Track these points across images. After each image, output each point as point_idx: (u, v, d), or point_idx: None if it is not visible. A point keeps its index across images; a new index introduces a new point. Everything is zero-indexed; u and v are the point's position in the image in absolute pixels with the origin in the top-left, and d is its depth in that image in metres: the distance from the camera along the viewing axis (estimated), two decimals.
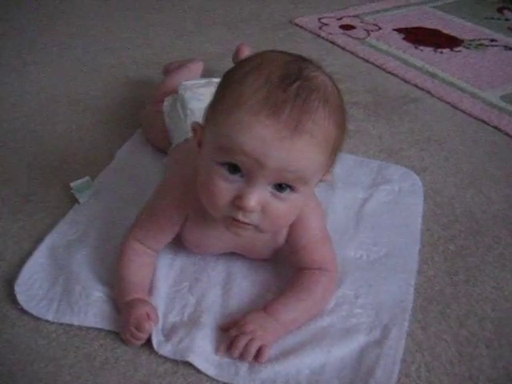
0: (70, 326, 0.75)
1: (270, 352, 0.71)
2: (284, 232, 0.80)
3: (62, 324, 0.75)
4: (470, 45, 1.66)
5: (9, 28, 1.66)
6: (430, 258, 0.90)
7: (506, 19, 1.88)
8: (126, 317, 0.73)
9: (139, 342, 0.73)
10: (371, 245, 0.90)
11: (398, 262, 0.87)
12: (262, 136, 0.62)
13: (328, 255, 0.81)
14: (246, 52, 1.29)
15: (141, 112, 1.17)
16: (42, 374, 0.70)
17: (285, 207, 0.68)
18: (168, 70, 1.29)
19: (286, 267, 0.83)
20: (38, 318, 0.76)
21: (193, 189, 0.75)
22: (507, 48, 1.65)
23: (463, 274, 0.87)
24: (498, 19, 1.88)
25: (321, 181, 0.74)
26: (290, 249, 0.81)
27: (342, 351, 0.73)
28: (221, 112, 0.66)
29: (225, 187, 0.66)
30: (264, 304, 0.77)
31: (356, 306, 0.80)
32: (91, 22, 1.73)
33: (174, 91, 1.09)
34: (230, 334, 0.73)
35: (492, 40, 1.70)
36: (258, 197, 0.65)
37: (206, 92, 1.00)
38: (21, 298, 0.78)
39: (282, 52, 0.70)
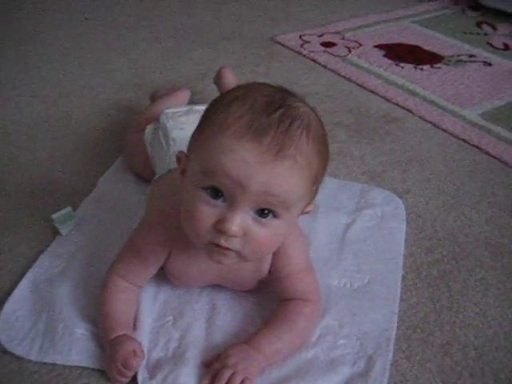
0: (54, 364, 0.75)
1: None
2: (267, 262, 0.80)
3: (45, 363, 0.75)
4: (450, 61, 1.67)
5: None
6: (413, 284, 0.90)
7: (485, 34, 1.90)
8: (112, 354, 0.72)
9: (125, 380, 0.72)
10: (354, 272, 0.90)
11: (381, 290, 0.87)
12: (245, 159, 0.63)
13: (311, 285, 0.81)
14: (228, 75, 1.29)
15: (123, 139, 1.17)
16: None
17: (267, 233, 0.68)
18: (155, 98, 1.28)
19: (270, 299, 0.83)
20: (20, 358, 0.75)
21: (175, 224, 0.75)
22: (486, 63, 1.67)
23: (446, 300, 0.88)
24: (478, 34, 1.90)
25: (303, 213, 0.74)
26: (273, 278, 0.81)
27: None
28: (205, 137, 0.67)
29: (207, 212, 0.66)
30: (247, 337, 0.76)
31: (340, 336, 0.80)
32: (70, 42, 1.72)
33: (157, 118, 1.09)
34: (213, 368, 0.72)
35: (471, 55, 1.72)
36: (240, 221, 0.66)
37: (188, 121, 1.00)
38: (2, 337, 0.77)
39: (267, 84, 0.71)
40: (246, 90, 0.68)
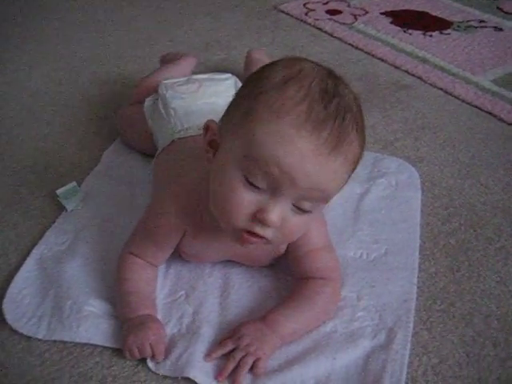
0: (64, 343, 0.72)
1: (265, 366, 0.69)
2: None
3: (55, 342, 0.72)
4: (459, 27, 1.63)
5: None
6: (431, 254, 0.87)
7: None
8: (135, 333, 0.70)
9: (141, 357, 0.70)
10: (371, 243, 0.88)
11: (399, 260, 0.85)
12: (303, 152, 0.60)
13: (332, 263, 0.78)
14: (261, 57, 1.24)
15: (117, 113, 1.12)
16: None
17: (300, 223, 0.66)
18: (163, 62, 1.24)
19: (286, 272, 0.81)
20: (30, 337, 0.73)
21: (188, 206, 0.73)
22: (496, 29, 1.62)
23: (466, 269, 0.85)
24: None
25: None
26: (291, 257, 0.78)
27: (347, 358, 0.71)
28: (253, 120, 0.62)
29: (248, 199, 0.63)
30: (264, 313, 0.74)
31: (359, 308, 0.77)
32: (68, 15, 1.67)
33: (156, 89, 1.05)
34: (226, 347, 0.70)
35: (481, 21, 1.67)
36: (281, 212, 0.63)
37: (187, 90, 0.97)
38: (9, 317, 0.74)
39: (313, 62, 0.67)
40: (297, 70, 0.63)
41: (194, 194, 0.72)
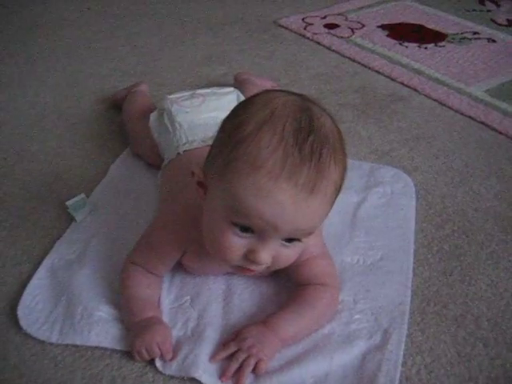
0: (76, 346, 0.76)
1: (266, 366, 0.72)
2: None
3: (67, 345, 0.76)
4: (454, 39, 1.67)
5: None
6: (424, 259, 0.91)
7: (488, 10, 1.90)
8: (142, 335, 0.73)
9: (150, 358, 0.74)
10: (367, 249, 0.92)
11: (394, 265, 0.89)
12: (281, 202, 0.62)
13: (329, 270, 0.83)
14: (247, 77, 1.31)
15: (125, 128, 1.18)
16: None
17: (291, 252, 0.71)
18: (115, 100, 1.30)
19: (287, 278, 0.84)
20: (43, 341, 0.77)
21: (189, 221, 0.76)
22: (490, 40, 1.67)
23: (458, 273, 0.89)
24: (481, 11, 1.89)
25: None
26: (290, 267, 0.80)
27: (344, 358, 0.74)
28: (233, 172, 0.64)
29: (237, 243, 0.67)
30: (265, 317, 0.78)
31: (355, 311, 0.81)
32: (73, 32, 1.73)
33: (143, 106, 1.16)
34: (229, 349, 0.74)
35: (475, 33, 1.72)
36: (270, 251, 0.68)
37: (191, 104, 1.02)
38: (23, 322, 0.78)
39: (286, 93, 0.69)
40: (270, 109, 0.65)
41: (195, 211, 0.75)
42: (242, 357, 0.72)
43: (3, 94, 1.38)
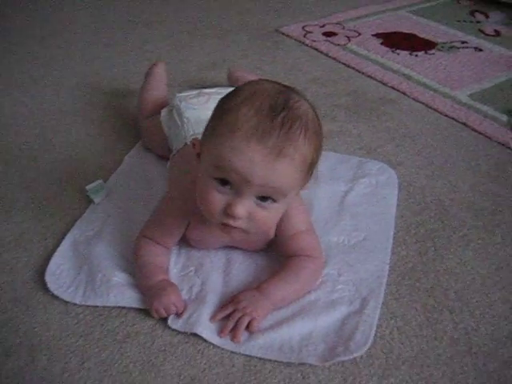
0: (95, 307, 0.88)
1: (259, 325, 0.84)
2: (273, 227, 0.93)
3: (88, 306, 0.88)
4: (443, 47, 1.79)
5: (8, 43, 1.79)
6: (402, 240, 1.03)
7: (477, 21, 2.02)
8: (156, 296, 0.85)
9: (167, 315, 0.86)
10: (352, 231, 1.03)
11: (375, 245, 1.00)
12: (251, 159, 0.75)
13: (314, 244, 0.94)
14: (242, 73, 1.43)
15: (138, 126, 1.30)
16: (74, 347, 0.83)
17: (267, 214, 0.81)
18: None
19: (278, 254, 0.96)
20: (67, 302, 0.89)
21: (192, 198, 0.88)
22: (477, 49, 1.79)
23: (432, 253, 1.01)
24: (470, 22, 2.01)
25: (302, 189, 0.87)
26: (279, 241, 0.94)
27: (327, 320, 0.86)
28: (217, 136, 0.78)
29: (217, 197, 0.79)
30: (257, 284, 0.89)
31: (339, 282, 0.93)
32: (90, 37, 1.86)
33: (155, 102, 1.27)
34: (227, 309, 0.86)
35: (463, 42, 1.84)
36: (245, 206, 0.79)
37: (198, 102, 1.15)
38: (51, 286, 0.90)
39: (272, 82, 0.82)
40: (253, 91, 0.78)
41: (193, 192, 0.86)
42: (237, 316, 0.84)
43: (25, 93, 1.50)
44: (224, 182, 0.78)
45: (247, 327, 0.84)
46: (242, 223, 0.80)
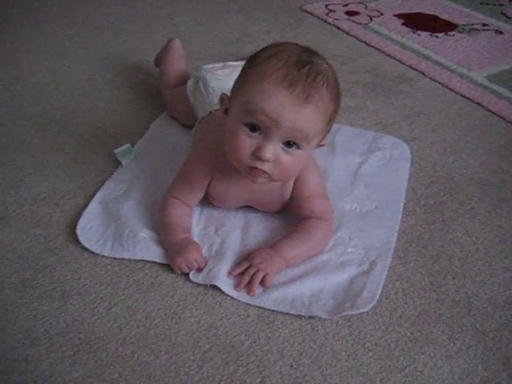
0: (122, 260, 0.95)
1: (272, 280, 0.91)
2: (289, 188, 0.99)
3: (115, 259, 0.95)
4: (464, 29, 1.82)
5: (42, 14, 1.86)
6: (412, 210, 1.08)
7: (500, 4, 2.04)
8: (179, 251, 0.92)
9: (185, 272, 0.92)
10: (364, 199, 1.09)
11: (385, 213, 1.06)
12: (281, 102, 0.82)
13: (326, 207, 1.00)
14: None
15: (162, 98, 1.37)
16: (102, 294, 0.90)
17: (292, 160, 0.87)
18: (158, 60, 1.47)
19: (293, 217, 1.02)
20: (96, 254, 0.96)
21: (215, 155, 0.95)
22: (497, 32, 1.82)
23: (439, 223, 1.06)
24: (493, 4, 2.03)
25: (319, 145, 0.93)
26: (294, 202, 1.00)
27: (337, 279, 0.92)
28: (248, 83, 0.85)
29: (247, 142, 0.86)
30: (272, 243, 0.96)
31: (349, 246, 0.99)
32: (120, 11, 1.92)
33: (178, 73, 1.34)
34: (243, 265, 0.92)
35: (484, 24, 1.86)
36: (273, 150, 0.85)
37: (223, 73, 1.20)
38: (82, 239, 0.98)
39: (295, 44, 0.90)
40: (280, 49, 0.87)
41: (219, 147, 0.94)
42: (252, 271, 0.91)
43: (58, 62, 1.57)
44: (253, 128, 0.85)
45: (261, 282, 0.90)
46: (268, 167, 0.87)
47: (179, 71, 1.38)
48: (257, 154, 0.86)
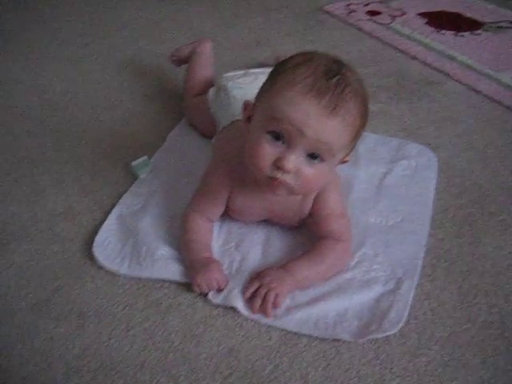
0: (140, 279, 0.92)
1: (283, 300, 0.87)
2: (309, 204, 0.95)
3: (133, 278, 0.93)
4: (490, 27, 1.76)
5: (55, 21, 1.84)
6: (440, 223, 1.04)
7: None
8: (201, 270, 0.89)
9: (206, 291, 0.89)
10: (389, 212, 1.05)
11: (412, 227, 1.02)
12: (307, 111, 0.78)
13: (344, 228, 0.96)
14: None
15: (182, 105, 1.34)
16: (120, 316, 0.87)
17: (314, 173, 0.83)
18: (179, 58, 1.43)
19: (312, 237, 0.97)
20: (113, 273, 0.93)
21: (235, 166, 0.92)
22: None
23: (469, 236, 1.01)
24: None
25: (342, 162, 0.89)
26: (312, 219, 0.96)
27: (362, 298, 0.88)
28: (275, 90, 0.82)
29: (269, 150, 0.82)
30: (284, 262, 0.92)
31: (375, 262, 0.95)
32: (137, 16, 1.90)
33: (203, 81, 1.29)
34: (253, 285, 0.88)
35: (511, 22, 1.80)
36: (295, 161, 0.81)
37: (245, 81, 1.17)
38: (99, 257, 0.95)
39: (325, 54, 0.86)
40: (309, 57, 0.83)
41: (238, 159, 0.91)
42: (263, 291, 0.87)
43: (73, 70, 1.55)
44: (277, 136, 0.81)
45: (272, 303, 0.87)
46: (289, 178, 0.83)
47: (205, 78, 1.34)
48: (278, 164, 0.82)
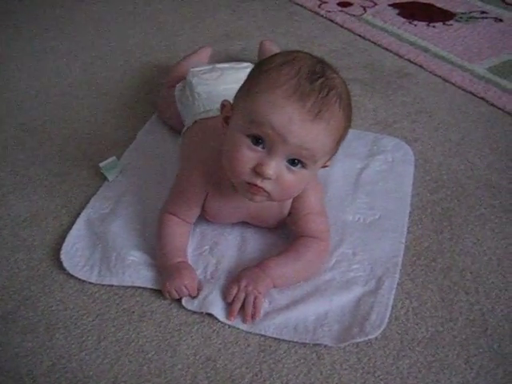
0: (111, 286, 0.88)
1: (261, 302, 0.84)
2: (288, 205, 0.92)
3: (103, 285, 0.89)
4: (462, 18, 1.75)
5: (20, 16, 1.77)
6: (418, 219, 1.02)
7: None
8: (172, 276, 0.85)
9: (176, 297, 0.86)
10: (367, 209, 1.02)
11: (390, 224, 0.99)
12: (290, 116, 0.74)
13: (322, 226, 0.93)
14: (271, 46, 1.40)
15: (158, 96, 1.29)
16: (90, 327, 0.83)
17: (294, 179, 0.80)
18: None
19: (290, 235, 0.95)
20: (83, 281, 0.89)
21: (210, 170, 0.88)
22: (497, 20, 1.74)
23: (448, 232, 1.00)
24: None
25: (323, 166, 0.86)
26: (291, 218, 0.94)
27: (342, 300, 0.86)
28: (256, 92, 0.77)
29: (249, 155, 0.78)
30: (259, 261, 0.89)
31: (354, 262, 0.92)
32: (101, 8, 1.84)
33: (185, 76, 1.21)
34: (231, 290, 0.85)
35: (483, 12, 1.79)
36: (275, 167, 0.78)
37: (211, 77, 1.13)
38: (66, 264, 0.91)
39: (309, 54, 0.82)
40: (292, 57, 0.79)
41: (213, 162, 0.87)
42: (242, 296, 0.84)
43: (37, 66, 1.49)
44: (257, 140, 0.78)
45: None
46: (268, 185, 0.79)
47: (184, 69, 1.26)
48: (258, 170, 0.78)
